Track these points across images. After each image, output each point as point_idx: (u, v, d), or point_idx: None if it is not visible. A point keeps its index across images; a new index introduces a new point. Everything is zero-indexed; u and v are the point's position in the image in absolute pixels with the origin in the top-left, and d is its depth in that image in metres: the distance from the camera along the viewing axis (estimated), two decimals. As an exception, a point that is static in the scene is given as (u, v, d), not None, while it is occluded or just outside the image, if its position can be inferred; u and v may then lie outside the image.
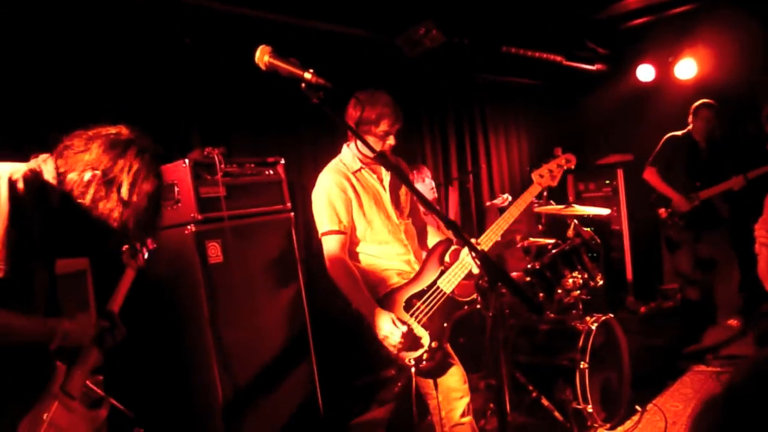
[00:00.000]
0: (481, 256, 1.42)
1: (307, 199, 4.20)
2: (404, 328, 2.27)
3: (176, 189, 2.90)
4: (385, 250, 2.55)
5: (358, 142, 2.49)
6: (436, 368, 2.40)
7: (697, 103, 4.60)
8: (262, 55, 1.51)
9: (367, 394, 4.08)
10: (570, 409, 3.12)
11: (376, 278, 2.53)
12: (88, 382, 1.87)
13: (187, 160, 2.87)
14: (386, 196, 2.58)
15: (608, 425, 3.18)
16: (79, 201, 1.52)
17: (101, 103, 3.07)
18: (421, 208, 2.79)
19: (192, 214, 2.85)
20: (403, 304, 2.40)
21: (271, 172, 3.28)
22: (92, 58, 3.11)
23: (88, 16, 3.02)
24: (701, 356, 4.16)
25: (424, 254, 2.64)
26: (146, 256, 2.30)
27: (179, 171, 2.88)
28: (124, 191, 1.52)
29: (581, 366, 3.05)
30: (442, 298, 2.40)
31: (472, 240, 1.99)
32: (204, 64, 3.57)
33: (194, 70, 3.54)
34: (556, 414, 3.19)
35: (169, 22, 3.33)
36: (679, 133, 4.63)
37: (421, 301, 2.40)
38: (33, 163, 1.55)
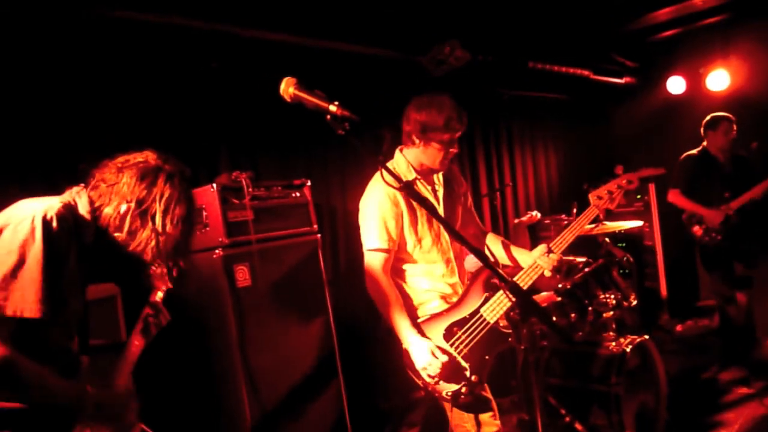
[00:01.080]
0: (513, 288, 1.38)
1: (335, 220, 4.29)
2: (444, 358, 2.14)
3: (204, 213, 2.92)
4: (430, 270, 2.40)
5: (411, 149, 2.36)
6: (474, 402, 2.27)
7: (710, 118, 4.47)
8: (287, 87, 1.51)
9: (396, 416, 4.03)
10: (605, 435, 3.03)
11: (417, 299, 2.40)
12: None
13: (215, 185, 2.90)
14: (440, 210, 2.41)
15: (645, 451, 3.07)
16: (116, 234, 1.53)
17: (130, 129, 3.14)
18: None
19: (220, 239, 2.87)
20: (444, 332, 2.25)
21: (298, 194, 3.29)
22: (121, 84, 3.19)
23: (117, 41, 3.10)
24: (742, 378, 4.01)
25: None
26: (174, 274, 2.32)
27: (207, 195, 2.91)
28: (158, 220, 1.54)
29: (616, 390, 2.96)
30: (485, 328, 2.24)
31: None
32: (231, 88, 3.62)
33: (221, 94, 3.60)
34: (591, 439, 3.09)
35: (196, 47, 3.40)
36: (694, 151, 4.51)
37: (463, 330, 2.24)
38: (68, 196, 1.57)
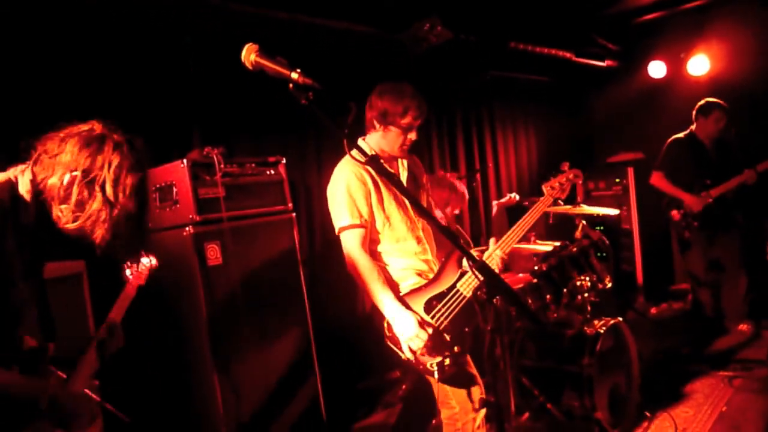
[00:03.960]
0: (481, 267, 1.35)
1: (310, 199, 4.22)
2: (430, 330, 2.19)
3: (174, 190, 2.85)
4: (402, 248, 2.45)
5: (372, 135, 2.46)
6: (459, 376, 2.33)
7: (704, 103, 4.48)
8: (249, 54, 1.45)
9: (371, 397, 4.03)
10: (576, 415, 3.05)
11: (393, 277, 2.44)
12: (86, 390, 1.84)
13: (185, 161, 2.82)
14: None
15: (616, 431, 3.10)
16: (62, 207, 1.45)
17: (97, 105, 3.01)
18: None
19: (190, 216, 2.80)
20: (423, 305, 2.31)
21: (272, 171, 3.22)
22: (88, 58, 3.06)
23: (84, 15, 2.98)
24: (713, 361, 4.07)
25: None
26: (147, 271, 2.26)
27: (177, 171, 2.84)
28: (108, 189, 1.45)
29: (588, 371, 2.97)
30: (463, 302, 2.31)
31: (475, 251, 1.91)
32: (205, 63, 3.51)
33: (195, 69, 3.49)
34: (563, 420, 3.11)
35: (168, 20, 3.28)
36: (681, 135, 4.52)
37: (442, 304, 2.31)
38: (10, 173, 1.48)
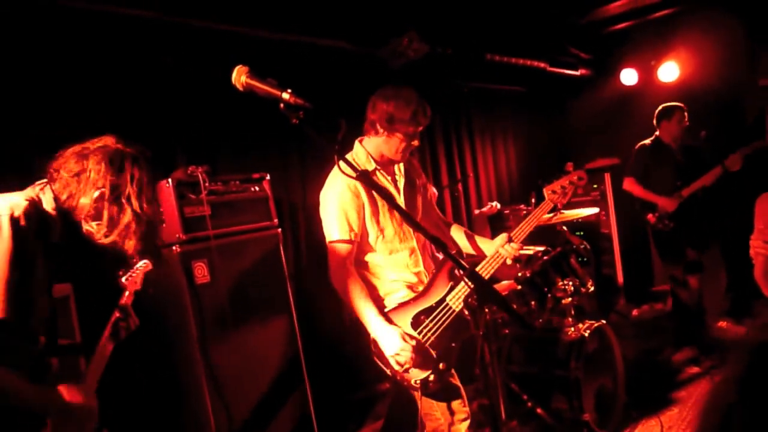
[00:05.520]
0: (471, 275, 1.39)
1: (296, 213, 4.24)
2: (413, 343, 2.16)
3: (160, 210, 2.85)
4: (394, 260, 2.40)
5: (372, 139, 2.36)
6: (443, 390, 2.29)
7: (664, 107, 4.60)
8: (239, 76, 1.48)
9: (362, 409, 4.04)
10: (565, 418, 3.10)
11: (383, 289, 2.41)
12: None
13: (170, 180, 2.84)
14: (400, 200, 2.43)
15: (604, 432, 3.16)
16: (94, 224, 1.49)
17: (80, 125, 3.01)
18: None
19: (177, 235, 2.81)
20: (411, 320, 2.26)
21: (257, 188, 3.24)
22: (69, 79, 3.07)
23: (66, 35, 2.98)
24: (695, 359, 4.16)
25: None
26: (141, 275, 2.28)
27: (163, 191, 2.85)
28: (135, 202, 1.52)
29: (576, 374, 3.03)
30: (451, 316, 2.26)
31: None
32: (186, 83, 3.54)
33: (176, 89, 3.51)
34: (552, 423, 3.16)
35: (148, 41, 3.30)
36: (647, 141, 4.64)
37: (430, 319, 2.26)
38: (31, 192, 1.51)
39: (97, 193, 1.48)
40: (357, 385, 4.17)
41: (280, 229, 3.28)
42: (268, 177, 3.28)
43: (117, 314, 2.00)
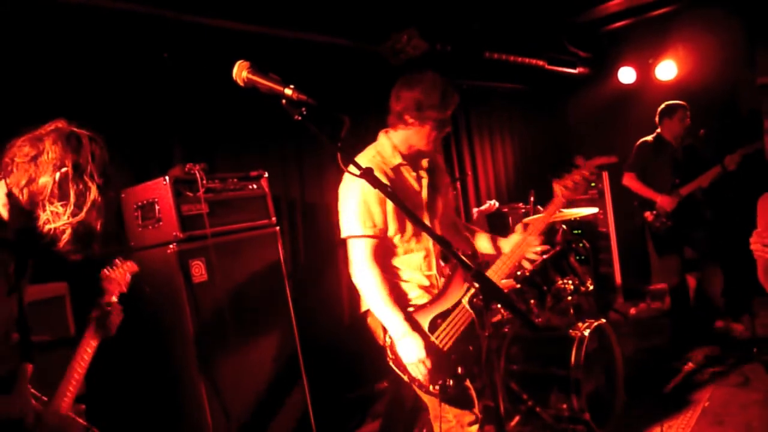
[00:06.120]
0: (476, 275, 1.37)
1: (294, 211, 4.21)
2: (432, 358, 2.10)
3: (157, 207, 2.82)
4: (408, 259, 2.32)
5: (399, 131, 2.24)
6: (460, 395, 2.23)
7: (667, 105, 4.60)
8: (240, 71, 1.45)
9: (362, 407, 4.02)
10: (565, 418, 3.08)
11: (396, 290, 2.29)
12: (71, 413, 1.82)
13: (167, 178, 2.80)
14: (423, 196, 2.34)
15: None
16: (60, 203, 1.45)
17: (79, 121, 2.98)
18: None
19: (174, 233, 2.78)
20: (428, 324, 2.18)
21: (255, 186, 3.21)
22: (65, 75, 3.02)
23: (62, 31, 2.94)
24: (692, 358, 4.15)
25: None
26: (127, 275, 2.24)
27: (159, 189, 2.81)
28: (98, 179, 1.51)
29: (576, 374, 3.01)
30: (468, 320, 2.20)
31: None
32: (184, 79, 3.50)
33: (174, 86, 3.47)
34: (552, 422, 3.15)
35: (146, 37, 3.26)
36: (649, 138, 4.64)
37: (446, 322, 2.19)
38: None
39: (59, 173, 1.46)
40: (355, 383, 4.15)
41: (278, 228, 3.25)
42: (266, 175, 3.25)
43: (94, 312, 1.99)
